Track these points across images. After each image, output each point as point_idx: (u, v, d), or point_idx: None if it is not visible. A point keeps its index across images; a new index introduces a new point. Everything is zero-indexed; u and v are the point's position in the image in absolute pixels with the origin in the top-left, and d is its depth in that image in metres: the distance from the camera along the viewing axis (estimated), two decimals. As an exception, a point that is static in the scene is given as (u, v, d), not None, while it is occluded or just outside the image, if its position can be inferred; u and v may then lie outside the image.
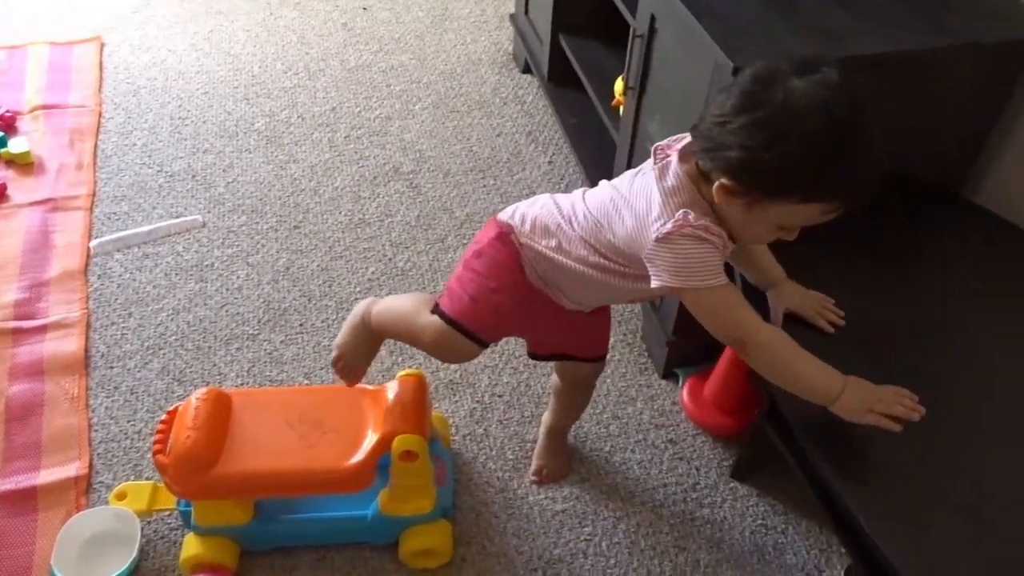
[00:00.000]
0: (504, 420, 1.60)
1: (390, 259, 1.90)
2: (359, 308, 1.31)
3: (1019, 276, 1.32)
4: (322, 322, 1.76)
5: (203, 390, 1.29)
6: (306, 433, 1.28)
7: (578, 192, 1.17)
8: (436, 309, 1.23)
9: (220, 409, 1.27)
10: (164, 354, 1.68)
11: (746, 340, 1.04)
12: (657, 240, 1.00)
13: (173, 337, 1.71)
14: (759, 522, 1.48)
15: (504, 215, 1.21)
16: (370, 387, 1.35)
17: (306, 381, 1.64)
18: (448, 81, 2.47)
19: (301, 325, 1.75)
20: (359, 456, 1.25)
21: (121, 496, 1.35)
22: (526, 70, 2.47)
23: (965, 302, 1.27)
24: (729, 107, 0.94)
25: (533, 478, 1.51)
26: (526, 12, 2.36)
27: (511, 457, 1.55)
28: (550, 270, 1.17)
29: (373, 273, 1.87)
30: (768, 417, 1.36)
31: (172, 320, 1.75)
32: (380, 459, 1.26)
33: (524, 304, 1.21)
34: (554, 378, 1.45)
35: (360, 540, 1.39)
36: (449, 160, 2.18)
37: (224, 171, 2.12)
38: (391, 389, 1.32)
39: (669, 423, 1.63)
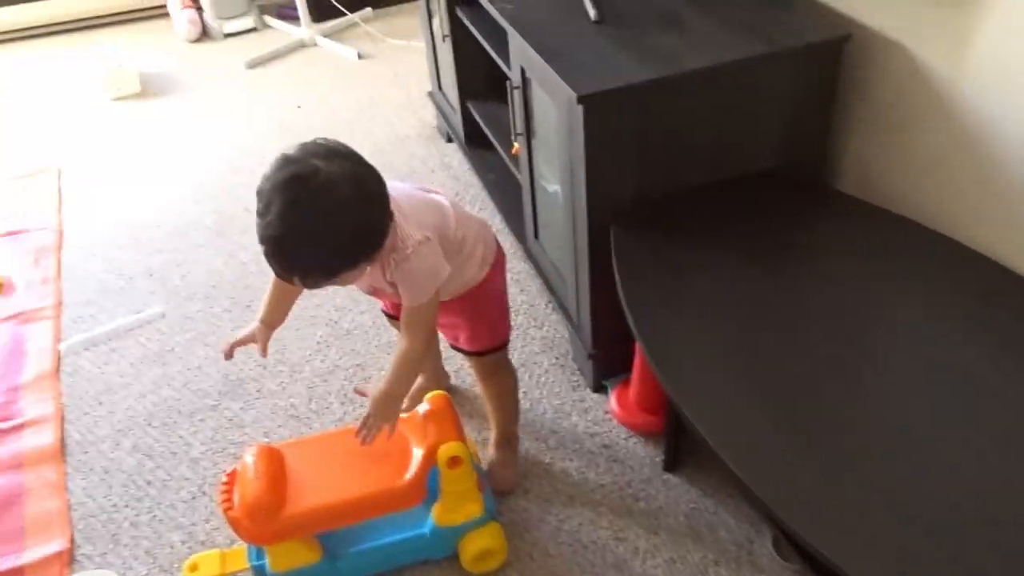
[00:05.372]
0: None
1: (336, 322, 2.07)
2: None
3: (883, 252, 1.47)
4: (277, 385, 1.91)
5: (253, 448, 1.42)
6: (355, 465, 1.41)
7: None
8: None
9: (274, 461, 1.40)
10: (133, 434, 1.82)
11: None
12: None
13: (141, 418, 1.86)
14: (692, 506, 1.60)
15: None
16: (402, 415, 1.46)
17: (266, 439, 1.78)
18: (379, 158, 2.63)
19: (258, 391, 1.90)
20: (411, 471, 1.38)
21: (194, 568, 1.43)
22: (449, 139, 2.69)
23: (838, 281, 1.41)
24: None
25: None
26: (439, 87, 2.59)
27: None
28: None
29: (321, 336, 2.03)
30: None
31: (139, 403, 1.90)
32: (428, 478, 1.39)
33: None
34: None
35: (422, 557, 1.51)
36: (385, 228, 2.37)
37: (178, 266, 2.30)
38: (422, 410, 1.46)
39: (603, 431, 1.76)
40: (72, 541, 1.61)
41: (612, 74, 1.43)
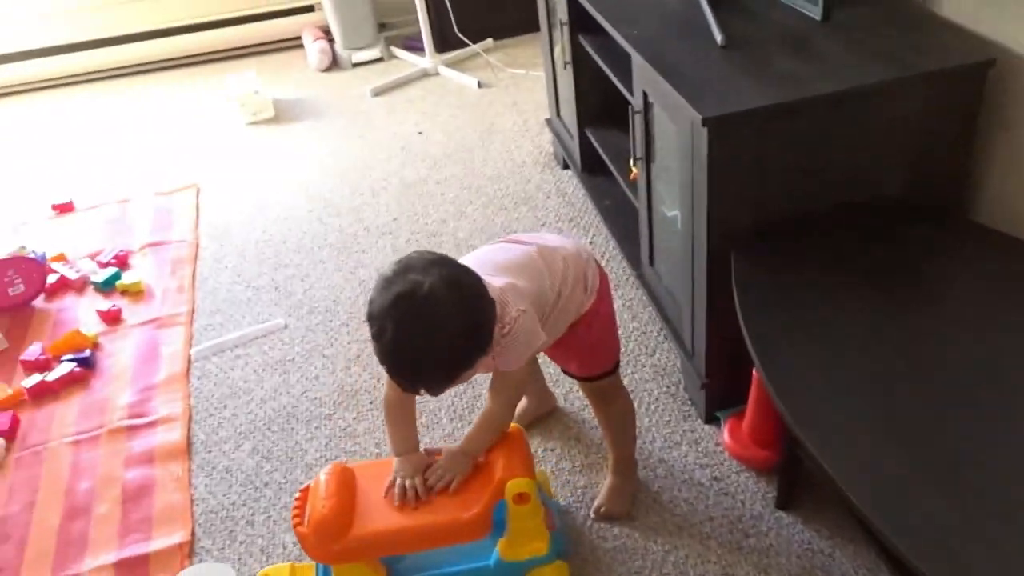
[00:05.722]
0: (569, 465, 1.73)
1: (448, 340, 2.11)
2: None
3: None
4: (389, 399, 1.96)
5: (328, 466, 1.44)
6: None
7: None
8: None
9: (346, 481, 1.41)
10: (254, 437, 1.90)
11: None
12: None
13: (261, 423, 1.94)
14: (805, 547, 1.53)
15: None
16: None
17: (377, 451, 1.82)
18: (496, 184, 2.73)
19: (371, 403, 1.95)
20: (478, 505, 1.37)
21: None
22: (565, 166, 2.72)
23: (974, 317, 1.33)
24: None
25: (592, 515, 1.63)
26: (558, 114, 2.62)
27: (570, 496, 1.67)
28: None
29: (433, 353, 2.07)
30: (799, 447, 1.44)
31: (260, 408, 1.98)
32: (495, 510, 1.38)
33: None
34: None
35: None
36: (499, 250, 2.41)
37: (301, 280, 2.40)
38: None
39: (713, 463, 1.72)
40: (193, 534, 1.69)
41: (737, 97, 1.41)
